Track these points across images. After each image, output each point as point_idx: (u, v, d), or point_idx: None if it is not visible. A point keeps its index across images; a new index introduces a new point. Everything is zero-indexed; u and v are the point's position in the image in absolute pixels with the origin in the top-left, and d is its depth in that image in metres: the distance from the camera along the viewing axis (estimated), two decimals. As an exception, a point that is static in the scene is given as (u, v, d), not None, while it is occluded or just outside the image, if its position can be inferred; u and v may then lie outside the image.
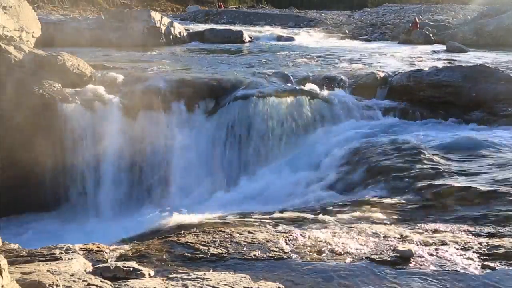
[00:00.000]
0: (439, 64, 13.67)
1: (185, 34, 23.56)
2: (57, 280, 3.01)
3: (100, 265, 3.74)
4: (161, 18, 22.21)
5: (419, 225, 5.11)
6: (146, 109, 10.20)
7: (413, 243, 4.48)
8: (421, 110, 10.81)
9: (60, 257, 3.94)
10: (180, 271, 3.78)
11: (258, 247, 4.39)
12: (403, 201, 6.19)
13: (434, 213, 5.65)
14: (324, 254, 4.26)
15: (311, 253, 4.28)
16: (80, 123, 9.83)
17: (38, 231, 8.93)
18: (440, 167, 7.28)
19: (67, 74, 10.48)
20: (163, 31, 21.72)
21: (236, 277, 3.48)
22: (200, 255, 4.21)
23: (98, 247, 4.42)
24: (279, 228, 5.18)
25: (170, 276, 3.55)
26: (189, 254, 4.23)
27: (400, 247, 4.28)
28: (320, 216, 5.72)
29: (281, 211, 6.33)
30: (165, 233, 5.54)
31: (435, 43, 22.93)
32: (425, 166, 7.37)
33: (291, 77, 12.02)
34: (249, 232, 4.81)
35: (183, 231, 5.07)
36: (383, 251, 4.28)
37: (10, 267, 2.97)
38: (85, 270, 3.68)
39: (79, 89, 10.30)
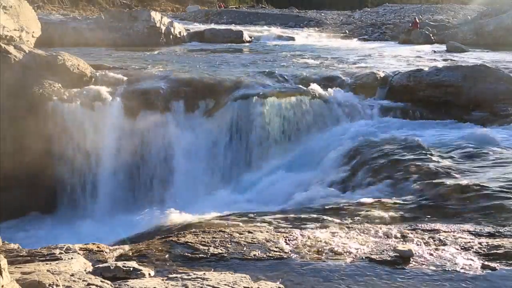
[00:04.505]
0: (439, 64, 13.67)
1: (185, 34, 23.57)
2: (57, 280, 3.01)
3: (100, 265, 3.74)
4: (161, 18, 22.22)
5: (419, 225, 5.11)
6: (146, 109, 10.20)
7: (413, 243, 4.48)
8: (421, 110, 10.81)
9: (60, 257, 3.94)
10: (180, 271, 3.78)
11: (258, 247, 4.39)
12: (403, 201, 6.19)
13: (434, 213, 5.65)
14: (324, 254, 4.26)
15: (311, 253, 4.28)
16: (80, 123, 9.83)
17: (37, 232, 8.93)
18: (440, 167, 7.28)
19: (67, 74, 10.49)
20: (163, 31, 21.73)
21: (236, 277, 3.48)
22: (200, 255, 4.21)
23: (98, 247, 4.41)
24: (279, 228, 5.18)
25: (170, 276, 3.54)
26: (189, 254, 4.23)
27: (400, 247, 4.27)
28: (320, 216, 5.72)
29: (281, 211, 6.33)
30: (165, 233, 5.54)
31: (435, 43, 22.96)
32: (425, 166, 7.36)
33: (291, 77, 12.02)
34: (249, 232, 4.80)
35: (183, 231, 5.07)
36: (383, 251, 4.28)
37: (10, 267, 2.97)
38: (85, 270, 3.68)
39: (79, 89, 10.30)
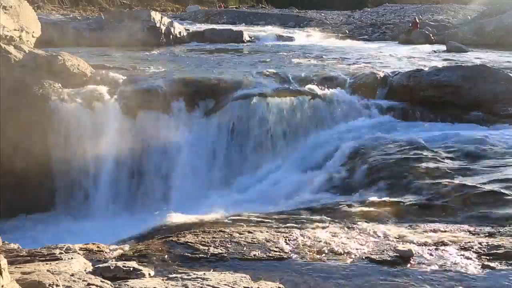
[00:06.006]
0: (439, 64, 13.66)
1: (185, 34, 23.56)
2: (57, 280, 3.01)
3: (100, 265, 3.74)
4: (161, 18, 22.21)
5: (419, 225, 5.11)
6: (146, 109, 10.20)
7: (413, 243, 4.48)
8: (421, 110, 10.81)
9: (60, 257, 3.94)
10: (180, 271, 3.78)
11: (258, 247, 4.39)
12: (403, 201, 6.19)
13: (434, 213, 5.65)
14: (324, 254, 4.26)
15: (311, 253, 4.28)
16: (80, 123, 9.83)
17: (37, 231, 8.93)
18: (440, 167, 7.28)
19: (67, 74, 10.49)
20: (163, 31, 21.72)
21: (236, 277, 3.48)
22: (200, 255, 4.21)
23: (98, 247, 4.41)
24: (279, 228, 5.18)
25: (170, 276, 3.54)
26: (189, 254, 4.23)
27: (400, 247, 4.27)
28: (320, 216, 5.73)
29: (281, 211, 6.34)
30: (165, 233, 5.54)
31: (435, 43, 22.92)
32: (425, 166, 7.37)
33: (291, 77, 12.01)
34: (249, 232, 4.81)
35: (183, 231, 5.07)
36: (383, 251, 4.28)
37: (10, 267, 2.96)
38: (85, 270, 3.68)
39: (79, 89, 10.30)
